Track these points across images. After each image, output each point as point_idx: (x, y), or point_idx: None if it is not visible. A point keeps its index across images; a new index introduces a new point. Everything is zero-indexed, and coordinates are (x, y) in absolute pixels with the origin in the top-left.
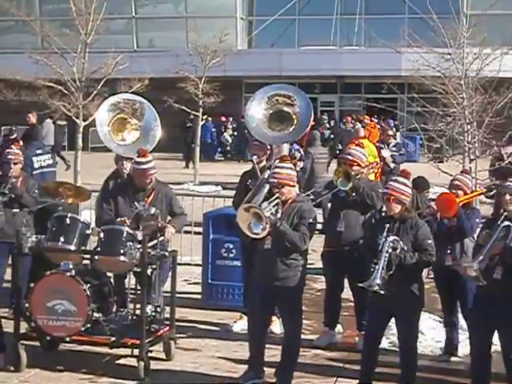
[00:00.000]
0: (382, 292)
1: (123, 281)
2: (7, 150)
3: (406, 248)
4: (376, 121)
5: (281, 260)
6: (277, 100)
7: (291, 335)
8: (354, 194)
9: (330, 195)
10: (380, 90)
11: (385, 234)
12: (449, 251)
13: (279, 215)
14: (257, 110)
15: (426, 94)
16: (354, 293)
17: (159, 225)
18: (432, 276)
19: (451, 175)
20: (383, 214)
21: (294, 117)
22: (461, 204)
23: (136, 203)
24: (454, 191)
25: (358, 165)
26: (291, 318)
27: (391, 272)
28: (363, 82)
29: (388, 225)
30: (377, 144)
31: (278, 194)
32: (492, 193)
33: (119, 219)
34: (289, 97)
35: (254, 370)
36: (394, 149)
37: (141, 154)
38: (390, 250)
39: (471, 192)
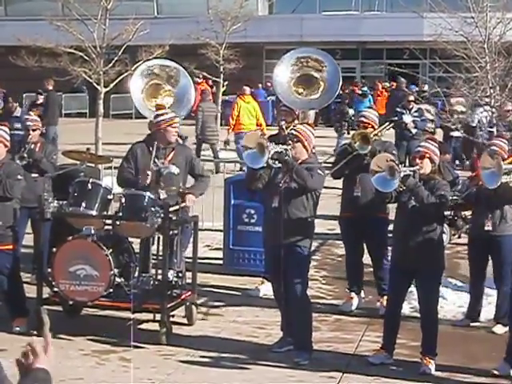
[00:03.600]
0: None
1: (149, 246)
2: (25, 117)
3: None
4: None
5: (288, 218)
6: (306, 62)
7: (299, 298)
8: (368, 157)
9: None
10: (402, 55)
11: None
12: (490, 216)
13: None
14: (284, 74)
15: (448, 59)
16: (372, 257)
17: (180, 189)
18: (455, 241)
19: (474, 139)
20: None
21: (322, 83)
22: None
23: (156, 161)
24: None
25: (372, 127)
26: (298, 278)
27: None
28: (385, 48)
29: None
30: (398, 109)
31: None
32: None
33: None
34: (318, 61)
35: (288, 337)
36: (415, 114)
37: (159, 107)
38: (409, 172)
39: (508, 157)
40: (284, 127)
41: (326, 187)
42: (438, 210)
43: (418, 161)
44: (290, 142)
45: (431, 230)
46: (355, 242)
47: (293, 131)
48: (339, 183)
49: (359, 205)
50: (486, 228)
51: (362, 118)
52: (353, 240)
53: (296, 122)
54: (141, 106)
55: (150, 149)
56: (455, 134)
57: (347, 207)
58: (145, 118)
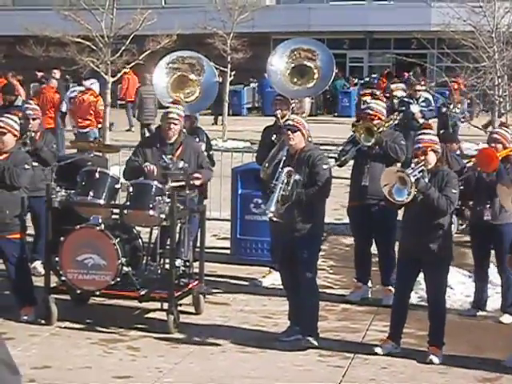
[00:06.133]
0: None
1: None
2: (25, 106)
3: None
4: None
5: (298, 212)
6: (299, 54)
7: (309, 285)
8: (377, 147)
9: (355, 151)
10: (409, 45)
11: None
12: (488, 206)
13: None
14: (278, 64)
15: (456, 49)
16: (378, 247)
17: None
18: (461, 229)
19: (481, 129)
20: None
21: (316, 71)
22: (500, 158)
23: (164, 157)
24: (493, 145)
25: (379, 118)
26: (309, 265)
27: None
28: (392, 38)
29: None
30: (406, 99)
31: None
32: None
33: (146, 164)
34: (310, 51)
35: (295, 326)
36: (423, 104)
37: (174, 101)
38: (418, 174)
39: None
40: (279, 116)
41: (334, 177)
42: (448, 207)
43: (421, 158)
44: (288, 132)
45: (440, 220)
46: (364, 230)
47: (289, 122)
48: (348, 173)
49: (368, 194)
50: (486, 218)
51: (368, 110)
52: (361, 229)
53: (291, 109)
54: (164, 100)
55: (158, 145)
56: None
57: (355, 196)
58: None
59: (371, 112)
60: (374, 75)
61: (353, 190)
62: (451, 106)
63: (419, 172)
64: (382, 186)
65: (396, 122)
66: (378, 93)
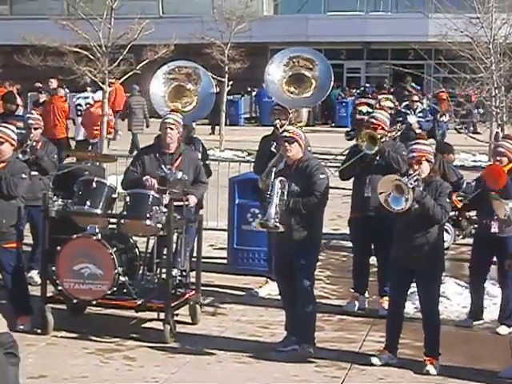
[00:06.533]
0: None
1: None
2: (27, 115)
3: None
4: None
5: (296, 221)
6: (297, 62)
7: (305, 295)
8: (378, 157)
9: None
10: (407, 56)
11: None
12: (495, 218)
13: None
14: (276, 73)
15: (453, 60)
16: (377, 258)
17: (184, 189)
18: (458, 240)
19: (478, 140)
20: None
21: (313, 81)
22: (506, 171)
23: (162, 167)
24: (498, 158)
25: (382, 128)
26: (306, 278)
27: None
28: (390, 48)
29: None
30: (403, 110)
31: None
32: None
33: (147, 177)
34: (310, 60)
35: (292, 337)
36: (420, 115)
37: (173, 110)
38: (413, 183)
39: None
40: (278, 126)
41: (331, 187)
42: (443, 216)
43: (415, 167)
44: (286, 144)
45: (432, 231)
46: (364, 241)
47: (285, 133)
48: (344, 183)
49: (370, 205)
50: (493, 230)
51: (372, 120)
52: (362, 240)
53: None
54: (161, 109)
55: (157, 155)
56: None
57: (357, 208)
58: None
59: (375, 121)
60: (367, 85)
61: (355, 201)
62: (438, 115)
63: (414, 181)
64: (379, 193)
65: (399, 133)
66: (373, 102)
